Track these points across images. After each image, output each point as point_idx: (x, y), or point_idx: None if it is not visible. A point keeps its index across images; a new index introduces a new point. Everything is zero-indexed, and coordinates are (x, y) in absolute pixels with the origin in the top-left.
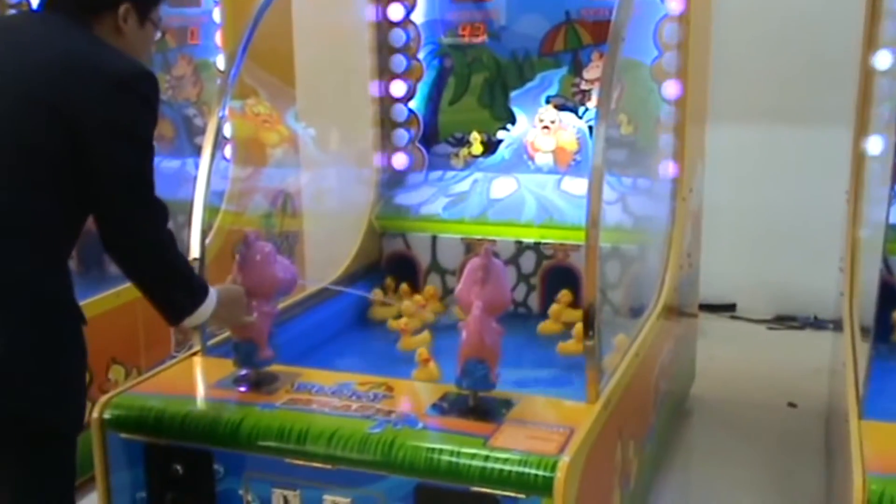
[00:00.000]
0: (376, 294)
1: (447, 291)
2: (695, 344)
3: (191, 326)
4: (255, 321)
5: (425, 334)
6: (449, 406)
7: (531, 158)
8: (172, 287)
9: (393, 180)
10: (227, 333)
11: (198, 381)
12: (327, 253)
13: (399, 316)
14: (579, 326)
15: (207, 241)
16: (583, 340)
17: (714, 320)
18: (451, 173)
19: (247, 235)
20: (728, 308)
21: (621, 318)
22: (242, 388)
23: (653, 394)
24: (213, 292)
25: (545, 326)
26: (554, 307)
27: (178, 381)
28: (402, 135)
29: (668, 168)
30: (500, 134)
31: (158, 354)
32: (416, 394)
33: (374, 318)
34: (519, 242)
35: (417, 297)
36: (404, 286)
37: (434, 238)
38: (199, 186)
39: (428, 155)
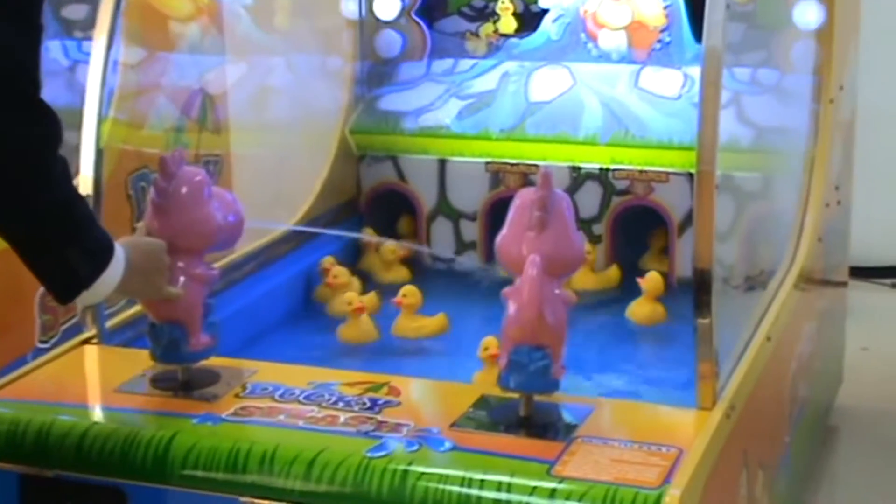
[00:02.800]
0: (367, 233)
1: (462, 246)
2: (843, 327)
3: (88, 304)
4: (182, 292)
5: (440, 317)
6: (490, 416)
7: (593, 39)
8: (63, 243)
9: (377, 74)
10: (135, 308)
11: (95, 383)
12: (271, 189)
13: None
14: (653, 278)
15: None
16: (696, 317)
17: (869, 291)
18: (467, 62)
19: (165, 159)
20: (890, 273)
21: (742, 285)
22: (166, 393)
23: (787, 401)
24: (119, 251)
25: (637, 310)
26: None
27: (64, 382)
28: (389, 1)
29: (808, 54)
30: (545, 1)
31: (11, 345)
32: (436, 398)
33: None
34: (574, 170)
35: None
36: (390, 246)
37: (442, 164)
38: (92, 81)
39: (430, 34)
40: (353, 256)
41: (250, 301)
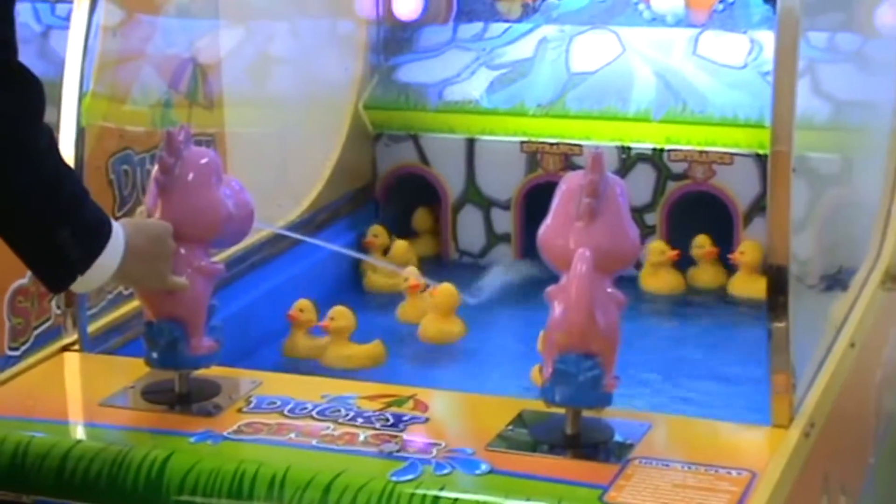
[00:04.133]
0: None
1: (494, 238)
2: None
3: (83, 291)
4: (188, 284)
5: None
6: (531, 434)
7: (645, 0)
8: (52, 223)
9: (395, 40)
10: (120, 310)
11: (77, 396)
12: (273, 173)
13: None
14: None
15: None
16: (770, 321)
17: None
18: (498, 27)
19: (171, 133)
20: None
21: (820, 283)
22: (159, 407)
23: (872, 416)
24: (118, 232)
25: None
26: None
27: (42, 395)
28: None
29: (891, 15)
30: None
31: None
32: (469, 413)
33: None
34: (623, 151)
35: None
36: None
37: (470, 144)
38: (73, 49)
39: None
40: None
41: (248, 303)
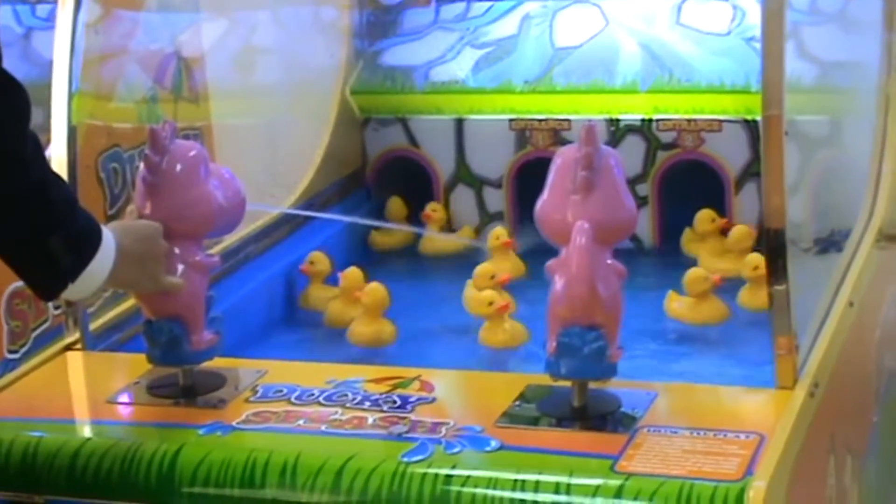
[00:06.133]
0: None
1: (487, 216)
2: None
3: (75, 298)
4: (183, 283)
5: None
6: (539, 409)
7: None
8: (40, 231)
9: (378, 23)
10: (121, 306)
11: (83, 394)
12: (263, 163)
13: None
14: (753, 258)
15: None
16: (770, 284)
17: None
18: (481, 6)
19: (155, 130)
20: None
21: (815, 245)
22: (166, 401)
23: (873, 374)
24: (108, 237)
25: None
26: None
27: (48, 395)
28: None
29: None
30: None
31: None
32: (475, 391)
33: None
34: (612, 123)
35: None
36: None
37: (459, 124)
38: (60, 48)
39: None
40: (362, 235)
41: (247, 294)
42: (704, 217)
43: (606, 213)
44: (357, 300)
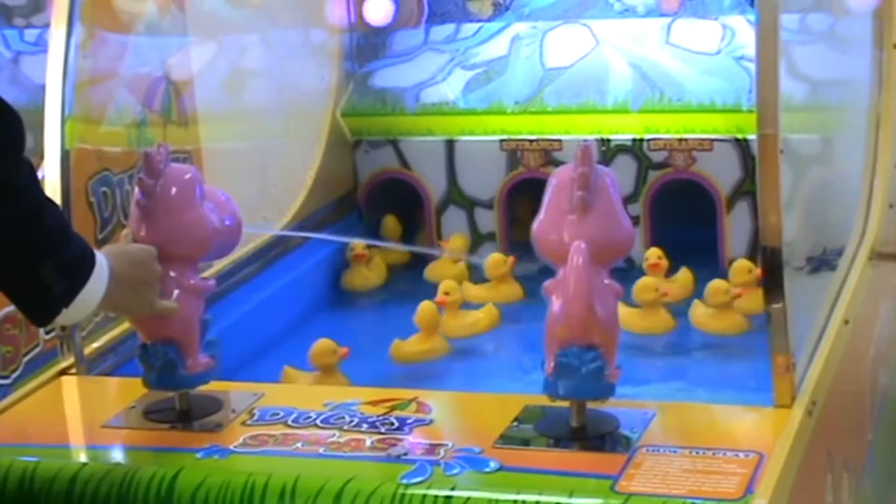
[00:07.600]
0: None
1: (479, 237)
2: None
3: (69, 323)
4: (177, 307)
5: (489, 308)
6: (537, 429)
7: None
8: (34, 258)
9: (368, 45)
10: (115, 330)
11: (78, 419)
12: (254, 186)
13: None
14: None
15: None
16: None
17: None
18: (470, 27)
19: (149, 154)
20: None
21: (809, 263)
22: (162, 425)
23: (868, 392)
24: (101, 262)
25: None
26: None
27: (44, 421)
28: None
29: None
30: None
31: None
32: (473, 412)
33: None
34: (604, 143)
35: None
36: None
37: (450, 145)
38: (53, 73)
39: None
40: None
41: (244, 314)
42: (741, 268)
43: (603, 233)
44: None
